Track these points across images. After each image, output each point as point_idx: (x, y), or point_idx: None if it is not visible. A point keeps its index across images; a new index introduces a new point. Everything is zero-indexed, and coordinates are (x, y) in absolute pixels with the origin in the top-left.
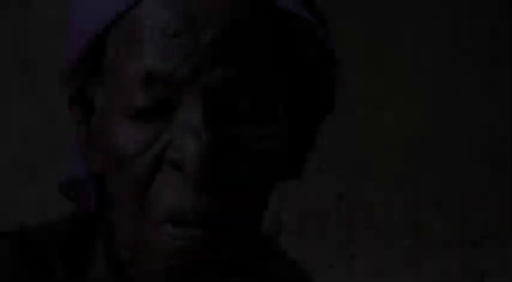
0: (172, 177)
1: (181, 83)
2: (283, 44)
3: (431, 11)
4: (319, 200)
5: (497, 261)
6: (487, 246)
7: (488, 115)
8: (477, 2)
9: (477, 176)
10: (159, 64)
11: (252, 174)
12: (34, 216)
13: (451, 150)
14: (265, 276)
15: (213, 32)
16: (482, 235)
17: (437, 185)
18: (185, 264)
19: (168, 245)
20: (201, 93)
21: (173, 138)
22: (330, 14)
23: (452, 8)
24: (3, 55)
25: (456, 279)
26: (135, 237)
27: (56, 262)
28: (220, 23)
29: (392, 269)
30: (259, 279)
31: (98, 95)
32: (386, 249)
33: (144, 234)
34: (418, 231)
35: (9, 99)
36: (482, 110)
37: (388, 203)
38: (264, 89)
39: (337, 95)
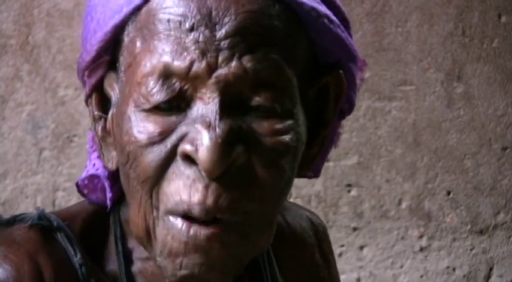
0: (184, 170)
1: (197, 77)
2: (298, 39)
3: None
4: (329, 190)
5: (506, 250)
6: (497, 235)
7: (497, 104)
8: None
9: (487, 165)
10: (176, 59)
11: (268, 170)
12: (42, 204)
13: (461, 140)
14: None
15: (229, 25)
16: (491, 224)
17: (447, 175)
18: (192, 262)
19: (174, 239)
20: (217, 87)
21: (188, 130)
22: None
23: None
24: (13, 44)
25: (465, 268)
26: (145, 228)
27: (74, 248)
28: (236, 17)
29: (402, 258)
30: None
31: (114, 90)
32: (396, 238)
33: (153, 226)
34: (428, 220)
35: (17, 88)
36: (492, 99)
37: (398, 192)
38: (280, 84)
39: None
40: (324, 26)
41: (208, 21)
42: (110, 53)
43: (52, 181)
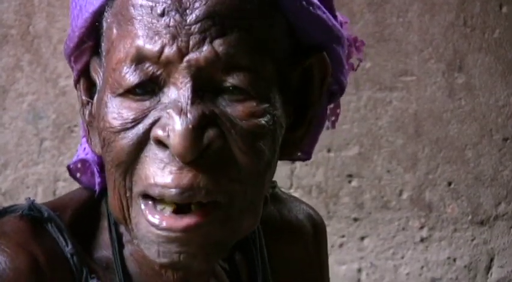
0: (158, 153)
1: (169, 61)
2: (274, 22)
3: None
4: (329, 180)
5: (507, 240)
6: (497, 226)
7: (498, 95)
8: None
9: (488, 156)
10: (148, 43)
11: (245, 152)
12: (43, 194)
13: (462, 131)
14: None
15: (200, 10)
16: (492, 215)
17: (448, 166)
18: (170, 251)
19: (148, 228)
20: (188, 71)
21: (160, 115)
22: None
23: None
24: (13, 34)
25: (466, 259)
26: (121, 210)
27: (64, 238)
28: (206, 1)
29: (402, 249)
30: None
31: (98, 75)
32: (396, 229)
33: (127, 208)
34: (428, 211)
35: (18, 78)
36: (493, 90)
37: (399, 183)
38: (253, 67)
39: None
40: (302, 8)
41: (179, 6)
42: (93, 39)
43: (53, 171)
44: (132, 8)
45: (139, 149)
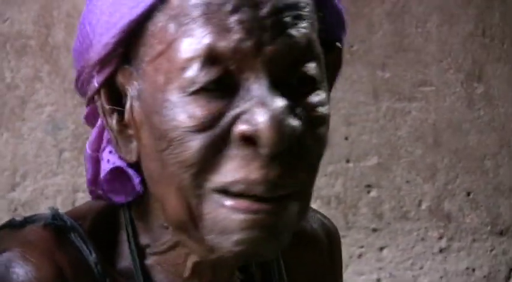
0: (239, 151)
1: (244, 56)
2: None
3: (458, 0)
4: (348, 191)
5: None
6: None
7: None
8: None
9: (507, 166)
10: (221, 40)
11: (315, 141)
12: (62, 204)
13: (481, 141)
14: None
15: (271, 3)
16: (511, 225)
17: (467, 176)
18: (250, 237)
19: (228, 216)
20: (264, 65)
21: (241, 111)
22: (359, 3)
23: None
24: (32, 45)
25: (485, 269)
26: (188, 211)
27: (88, 247)
28: None
29: (421, 260)
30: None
31: (131, 82)
32: (415, 239)
33: (197, 207)
34: (447, 221)
35: (37, 89)
36: None
37: (418, 193)
38: (317, 56)
39: (365, 86)
40: (333, 4)
41: (251, 0)
42: (124, 46)
43: (72, 182)
44: (196, 7)
45: (218, 147)
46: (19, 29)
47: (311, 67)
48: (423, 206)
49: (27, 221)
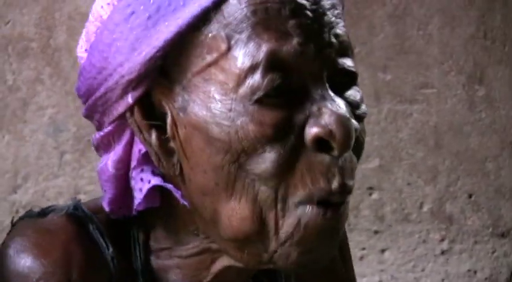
0: (315, 157)
1: (305, 60)
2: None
3: (460, 2)
4: None
5: None
6: None
7: None
8: None
9: (508, 168)
10: (283, 46)
11: (363, 139)
12: None
13: (483, 143)
14: None
15: (323, 4)
16: None
17: (468, 178)
18: (320, 244)
19: (307, 225)
20: (323, 67)
21: (309, 115)
22: (360, 5)
23: None
24: (34, 47)
25: (487, 271)
26: (260, 224)
27: (105, 241)
28: None
29: (423, 262)
30: None
31: (171, 94)
32: (417, 241)
33: (275, 219)
34: (449, 223)
35: (39, 91)
36: None
37: (419, 195)
38: (353, 51)
39: (367, 88)
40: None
41: (303, 3)
42: (163, 59)
43: (73, 184)
44: (254, 13)
45: (294, 156)
46: (21, 31)
47: (352, 62)
48: (425, 208)
49: (46, 211)
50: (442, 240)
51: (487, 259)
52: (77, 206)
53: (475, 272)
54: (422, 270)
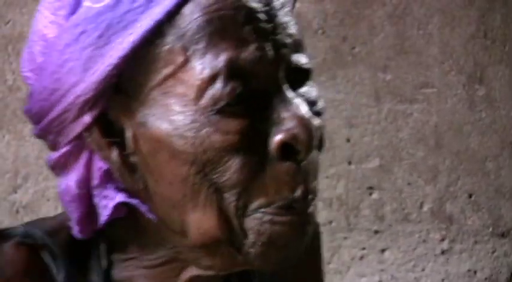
0: (280, 166)
1: (265, 65)
2: None
3: (460, 2)
4: (350, 193)
5: None
6: None
7: None
8: None
9: (508, 168)
10: (241, 53)
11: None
12: (63, 208)
13: (483, 143)
14: None
15: (270, 6)
16: None
17: (469, 178)
18: (291, 242)
19: (272, 226)
20: (282, 69)
21: (272, 121)
22: (360, 5)
23: None
24: None
25: (487, 271)
26: (227, 230)
27: (58, 268)
28: None
29: (423, 261)
30: None
31: (128, 110)
32: (417, 241)
33: (239, 224)
34: (449, 223)
35: None
36: None
37: (419, 195)
38: (305, 48)
39: (367, 88)
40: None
41: (255, 7)
42: (117, 76)
43: None
44: (209, 22)
45: (258, 165)
46: (21, 31)
47: (305, 59)
48: (425, 208)
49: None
50: (442, 240)
51: (487, 259)
52: (28, 232)
53: (475, 272)
54: (423, 270)
